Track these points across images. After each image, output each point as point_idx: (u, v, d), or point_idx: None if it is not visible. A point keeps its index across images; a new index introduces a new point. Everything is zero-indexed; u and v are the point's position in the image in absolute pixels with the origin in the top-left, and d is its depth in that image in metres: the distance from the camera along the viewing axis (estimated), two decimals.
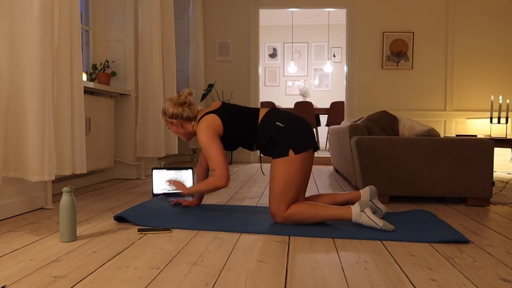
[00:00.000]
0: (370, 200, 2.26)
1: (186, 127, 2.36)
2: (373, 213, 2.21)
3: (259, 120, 2.23)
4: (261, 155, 2.39)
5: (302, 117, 2.25)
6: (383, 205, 2.36)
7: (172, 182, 2.28)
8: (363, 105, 5.74)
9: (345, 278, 1.41)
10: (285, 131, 2.13)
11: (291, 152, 2.09)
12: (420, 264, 1.56)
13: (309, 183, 3.85)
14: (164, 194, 2.92)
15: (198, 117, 2.32)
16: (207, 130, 2.19)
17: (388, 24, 5.68)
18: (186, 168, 3.00)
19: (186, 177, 2.99)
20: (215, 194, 3.11)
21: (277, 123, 2.16)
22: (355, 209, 2.04)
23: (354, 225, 2.13)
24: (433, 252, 1.72)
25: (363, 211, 2.03)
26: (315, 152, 2.17)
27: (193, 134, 2.39)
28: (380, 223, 2.00)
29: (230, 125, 2.23)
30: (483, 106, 5.61)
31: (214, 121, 2.22)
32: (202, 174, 2.55)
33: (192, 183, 3.00)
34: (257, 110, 2.28)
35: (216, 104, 2.32)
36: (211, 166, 2.16)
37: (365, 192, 2.28)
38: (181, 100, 2.33)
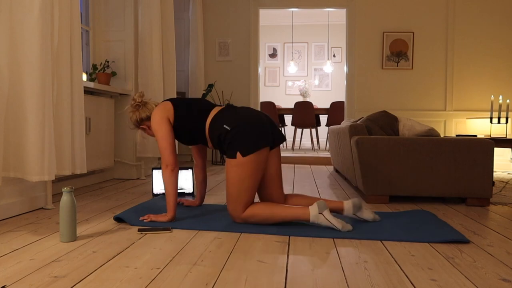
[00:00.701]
0: (353, 214, 2.19)
1: (147, 124, 2.36)
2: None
3: (209, 120, 2.19)
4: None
5: (258, 114, 2.16)
6: (370, 212, 2.21)
7: (148, 219, 2.15)
8: (363, 105, 5.74)
9: (345, 278, 1.41)
10: (233, 134, 2.06)
11: (238, 155, 2.04)
12: (420, 264, 1.56)
13: (309, 183, 3.85)
14: (164, 194, 2.92)
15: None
16: (157, 113, 2.20)
17: (388, 24, 5.68)
18: (186, 168, 3.00)
19: (186, 177, 2.99)
20: (215, 194, 3.12)
21: (224, 126, 2.10)
22: (312, 210, 2.00)
23: (354, 225, 2.13)
24: (433, 252, 1.72)
25: (321, 213, 2.00)
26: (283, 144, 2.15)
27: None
28: (338, 225, 1.97)
29: (180, 113, 2.20)
30: (483, 106, 5.61)
31: (165, 106, 2.23)
32: (199, 173, 2.54)
33: (192, 183, 3.01)
34: (211, 107, 2.24)
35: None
36: (160, 154, 2.17)
37: (348, 206, 2.19)
38: (135, 104, 2.33)
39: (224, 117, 2.14)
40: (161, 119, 2.18)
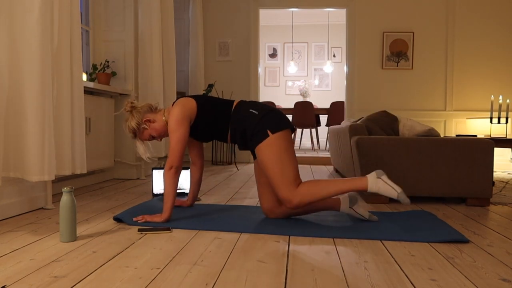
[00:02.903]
0: (350, 207, 2.22)
1: (157, 119, 2.24)
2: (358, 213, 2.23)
3: (233, 107, 2.21)
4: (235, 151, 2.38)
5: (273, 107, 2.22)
6: (365, 210, 2.24)
7: (142, 219, 2.13)
8: (363, 105, 5.74)
9: (345, 278, 1.41)
10: (260, 116, 2.11)
11: (269, 132, 2.06)
12: (420, 264, 1.56)
13: None
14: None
15: (162, 108, 2.28)
16: (178, 111, 2.13)
17: (388, 24, 5.68)
18: (186, 168, 3.00)
19: (185, 177, 2.99)
20: (215, 194, 3.12)
21: (250, 110, 2.14)
22: (371, 177, 2.02)
23: (354, 224, 2.13)
24: (433, 252, 1.72)
25: (379, 178, 2.01)
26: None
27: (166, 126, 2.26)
28: (398, 189, 1.98)
29: (204, 109, 2.19)
30: (483, 106, 5.61)
31: (188, 103, 2.18)
32: (196, 172, 2.51)
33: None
34: (232, 101, 2.27)
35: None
36: (169, 155, 2.13)
37: (345, 199, 2.24)
38: (127, 111, 2.25)
39: (247, 104, 2.19)
40: (182, 119, 2.13)
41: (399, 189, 1.98)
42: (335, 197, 2.26)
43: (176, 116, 2.13)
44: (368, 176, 2.04)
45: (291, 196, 2.02)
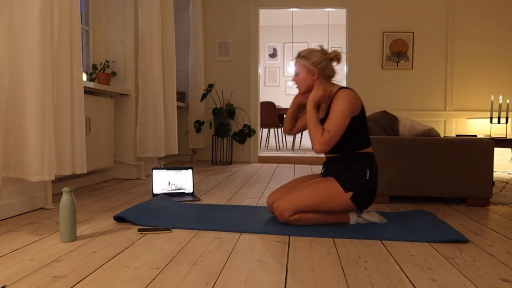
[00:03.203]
0: (359, 216, 2.18)
1: (322, 81, 2.17)
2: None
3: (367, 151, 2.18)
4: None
5: None
6: (376, 215, 2.20)
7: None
8: None
9: (345, 278, 1.41)
10: (365, 184, 2.15)
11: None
12: (420, 264, 1.56)
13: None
14: (164, 194, 2.92)
15: (335, 87, 2.19)
16: (351, 103, 2.07)
17: (388, 24, 5.68)
18: (186, 168, 3.00)
19: (186, 177, 2.99)
20: (215, 194, 3.11)
21: (368, 170, 2.14)
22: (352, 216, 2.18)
23: (354, 225, 2.13)
24: (433, 252, 1.72)
25: (360, 217, 2.19)
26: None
27: (320, 92, 2.14)
28: (377, 219, 2.17)
29: (363, 117, 2.15)
30: (483, 106, 5.61)
31: (358, 100, 2.12)
32: (290, 123, 2.41)
33: (192, 183, 3.00)
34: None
35: None
36: (328, 128, 2.05)
37: (352, 213, 2.19)
38: (331, 56, 2.17)
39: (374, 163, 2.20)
40: (350, 111, 2.07)
41: (377, 220, 2.18)
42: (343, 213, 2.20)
43: (348, 107, 2.06)
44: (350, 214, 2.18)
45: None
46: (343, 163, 2.16)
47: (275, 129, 7.88)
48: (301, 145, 9.29)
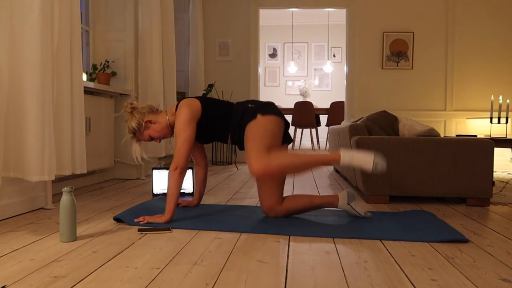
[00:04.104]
0: (348, 203, 2.26)
1: (158, 120, 2.25)
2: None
3: (233, 107, 2.27)
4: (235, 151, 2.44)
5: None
6: (361, 208, 2.32)
7: (144, 220, 2.11)
8: (363, 105, 5.74)
9: (345, 278, 1.41)
10: (256, 106, 2.18)
11: (258, 115, 2.12)
12: (420, 264, 1.56)
13: (309, 183, 3.85)
14: (164, 194, 2.92)
15: (161, 109, 2.33)
16: (186, 112, 2.14)
17: (388, 24, 5.68)
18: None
19: (186, 177, 2.99)
20: (215, 194, 3.11)
21: (248, 104, 2.22)
22: (343, 151, 2.05)
23: (354, 224, 2.13)
24: (433, 252, 1.72)
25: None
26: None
27: (173, 123, 2.26)
28: (371, 155, 2.00)
29: (208, 110, 2.22)
30: (483, 106, 5.61)
31: (194, 103, 2.20)
32: (200, 172, 2.53)
33: (192, 183, 3.00)
34: (232, 102, 2.33)
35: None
36: (175, 155, 2.13)
37: (343, 196, 2.26)
38: (127, 112, 2.25)
39: (246, 101, 2.27)
40: (190, 120, 2.14)
41: (372, 155, 1.98)
42: (333, 194, 2.27)
43: (185, 116, 2.13)
44: (341, 149, 2.14)
45: (259, 162, 2.00)
46: (237, 133, 2.23)
47: None
48: (301, 145, 9.29)
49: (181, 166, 2.12)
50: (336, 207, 2.27)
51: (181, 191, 2.98)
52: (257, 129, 2.09)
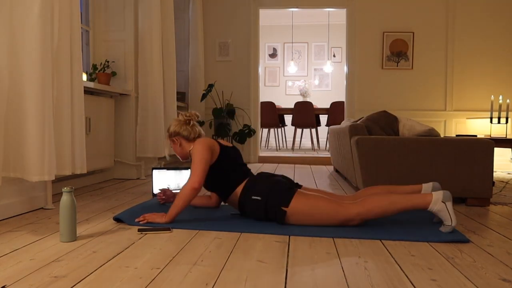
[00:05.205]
0: (443, 201, 1.98)
1: (184, 146, 2.36)
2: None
3: (240, 188, 2.22)
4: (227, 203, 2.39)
5: (277, 176, 2.25)
6: (452, 218, 1.97)
7: (144, 220, 2.12)
8: (363, 105, 5.74)
9: (345, 278, 1.41)
10: (264, 201, 2.12)
11: (284, 208, 2.08)
12: (420, 264, 1.56)
13: (309, 183, 3.85)
14: None
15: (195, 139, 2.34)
16: (207, 141, 2.23)
17: (388, 24, 5.68)
18: (186, 168, 2.99)
19: (186, 177, 2.99)
20: None
21: (253, 197, 2.16)
22: (436, 195, 1.95)
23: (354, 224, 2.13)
24: (433, 252, 1.72)
25: (444, 203, 1.95)
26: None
27: (189, 155, 2.35)
28: (454, 221, 1.93)
29: (223, 158, 2.25)
30: (483, 106, 5.61)
31: (213, 143, 2.26)
32: (207, 200, 2.53)
33: None
34: (245, 176, 2.27)
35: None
36: (191, 174, 2.14)
37: (438, 193, 2.00)
38: (186, 118, 2.35)
39: (251, 187, 2.20)
40: (208, 148, 2.20)
41: (455, 222, 1.94)
42: (421, 193, 2.08)
43: (203, 143, 2.21)
44: (434, 194, 1.97)
45: (355, 212, 2.04)
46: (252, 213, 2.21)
47: (275, 129, 7.88)
48: (301, 145, 9.29)
49: (197, 188, 2.12)
50: (427, 209, 2.00)
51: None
52: (300, 218, 2.09)
